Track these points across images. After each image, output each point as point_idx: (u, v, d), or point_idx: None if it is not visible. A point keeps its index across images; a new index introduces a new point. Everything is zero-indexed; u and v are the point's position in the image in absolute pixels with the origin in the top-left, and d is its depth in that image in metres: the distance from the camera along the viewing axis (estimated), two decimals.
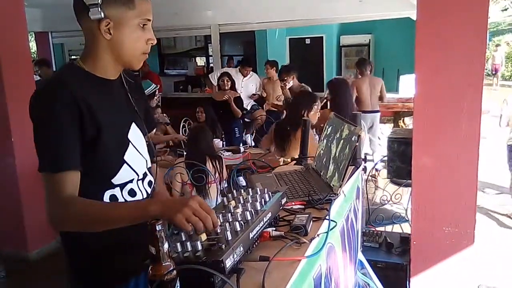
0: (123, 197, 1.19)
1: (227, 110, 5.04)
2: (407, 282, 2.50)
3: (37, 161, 1.07)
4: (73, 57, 8.36)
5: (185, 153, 3.73)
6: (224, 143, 4.90)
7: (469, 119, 2.25)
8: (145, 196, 1.26)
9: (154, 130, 1.60)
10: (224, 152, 3.97)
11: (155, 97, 4.25)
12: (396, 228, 3.23)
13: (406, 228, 3.15)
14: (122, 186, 1.18)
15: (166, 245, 0.81)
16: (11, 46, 3.47)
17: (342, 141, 1.47)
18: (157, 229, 0.79)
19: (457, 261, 2.39)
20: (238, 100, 5.17)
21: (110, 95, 1.18)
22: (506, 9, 15.71)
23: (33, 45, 8.30)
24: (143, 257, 0.86)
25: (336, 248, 1.31)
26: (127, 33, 1.11)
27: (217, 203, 1.45)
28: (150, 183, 1.29)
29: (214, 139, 4.06)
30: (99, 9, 1.06)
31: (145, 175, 1.27)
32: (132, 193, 1.21)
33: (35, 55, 8.20)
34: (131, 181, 1.20)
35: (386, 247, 2.65)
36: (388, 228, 3.16)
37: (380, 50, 9.21)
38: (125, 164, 1.17)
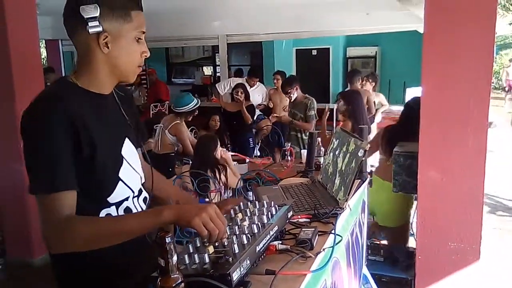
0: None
1: (240, 120, 5.07)
2: None
3: None
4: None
5: (191, 162, 3.74)
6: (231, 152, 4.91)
7: (476, 133, 2.25)
8: None
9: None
10: None
11: (195, 113, 4.22)
12: None
13: (411, 241, 3.15)
14: (118, 204, 1.15)
15: (175, 258, 0.82)
16: (23, 53, 3.52)
17: (348, 155, 1.48)
18: (167, 241, 0.81)
19: (463, 277, 2.38)
20: (250, 108, 5.18)
21: (104, 111, 1.15)
22: None
23: (43, 51, 8.42)
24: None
25: (341, 262, 1.32)
26: (124, 46, 1.10)
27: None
28: (145, 199, 1.26)
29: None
30: (98, 22, 1.04)
31: (140, 191, 1.24)
32: (128, 211, 1.18)
33: (45, 61, 8.32)
34: (126, 199, 1.17)
35: (391, 261, 2.64)
36: None
37: (386, 62, 9.22)
38: (120, 182, 1.14)
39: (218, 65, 8.62)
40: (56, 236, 1.00)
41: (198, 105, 4.17)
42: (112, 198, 1.13)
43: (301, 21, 5.92)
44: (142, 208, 1.23)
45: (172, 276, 0.82)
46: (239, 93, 5.07)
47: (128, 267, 1.13)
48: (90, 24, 1.04)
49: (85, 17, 1.04)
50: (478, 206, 2.33)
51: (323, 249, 1.15)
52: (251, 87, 5.96)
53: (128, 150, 1.19)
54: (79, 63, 1.14)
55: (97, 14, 1.04)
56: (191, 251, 0.99)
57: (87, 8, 1.03)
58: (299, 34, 6.60)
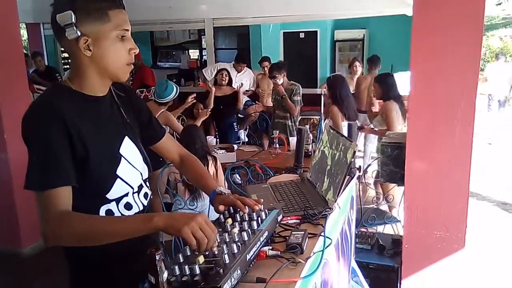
0: (119, 211, 1.20)
1: (226, 105, 5.03)
2: (398, 284, 2.54)
3: None
4: (63, 49, 8.25)
5: None
6: (218, 140, 4.89)
7: (462, 124, 2.27)
8: (141, 208, 1.27)
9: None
10: (218, 150, 3.97)
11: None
12: (388, 228, 3.27)
13: (398, 227, 3.20)
14: (117, 200, 1.20)
15: (165, 274, 0.81)
16: (3, 38, 3.43)
17: (337, 155, 1.48)
18: (157, 258, 0.80)
19: (448, 265, 2.44)
20: (235, 95, 5.16)
21: (99, 112, 1.19)
22: (500, 3, 15.74)
23: (24, 34, 8.20)
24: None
25: (331, 262, 1.33)
26: (107, 46, 1.12)
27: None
28: (146, 195, 1.30)
29: (208, 137, 4.05)
30: (75, 28, 1.07)
31: (140, 187, 1.28)
32: (128, 206, 1.22)
33: (26, 43, 8.12)
34: (126, 194, 1.22)
35: (378, 249, 2.69)
36: (380, 227, 3.20)
37: (374, 45, 9.16)
38: (118, 179, 1.19)
39: (205, 48, 8.47)
40: (51, 231, 1.04)
41: (177, 95, 4.18)
42: (110, 195, 1.18)
43: (288, 5, 5.83)
44: (143, 203, 1.28)
45: None
46: (223, 76, 5.04)
47: (127, 255, 1.16)
48: (67, 30, 1.08)
49: (62, 25, 1.08)
50: (463, 196, 2.37)
51: (313, 253, 1.16)
52: (238, 72, 5.91)
53: (128, 148, 1.23)
54: (71, 67, 1.18)
55: (73, 20, 1.07)
56: (181, 261, 0.98)
57: (62, 16, 1.07)
58: (286, 18, 6.50)
